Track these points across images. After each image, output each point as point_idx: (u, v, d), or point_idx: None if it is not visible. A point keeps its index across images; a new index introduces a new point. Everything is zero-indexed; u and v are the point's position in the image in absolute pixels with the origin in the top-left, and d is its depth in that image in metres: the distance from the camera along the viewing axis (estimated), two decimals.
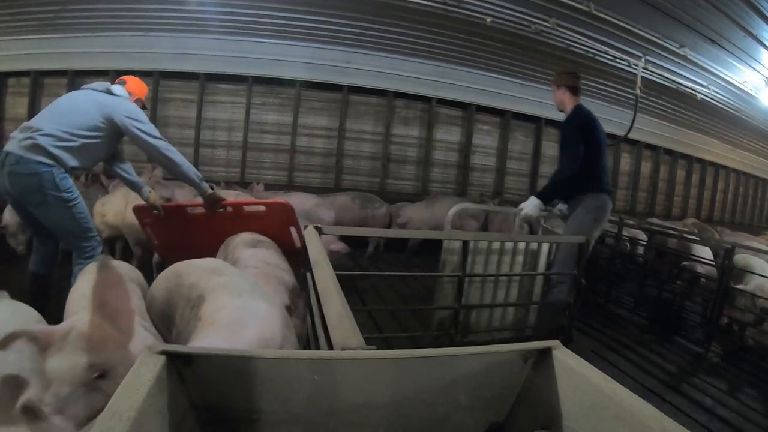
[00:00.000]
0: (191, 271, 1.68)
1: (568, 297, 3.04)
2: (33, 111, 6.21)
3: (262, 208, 2.80)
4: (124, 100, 2.71)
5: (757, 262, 3.73)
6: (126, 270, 1.89)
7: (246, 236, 2.55)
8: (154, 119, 6.32)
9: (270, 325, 1.36)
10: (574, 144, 3.04)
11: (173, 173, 2.78)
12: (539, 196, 3.11)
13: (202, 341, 1.19)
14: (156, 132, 2.68)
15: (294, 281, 2.15)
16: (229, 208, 2.87)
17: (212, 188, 2.86)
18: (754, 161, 11.11)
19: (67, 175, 2.49)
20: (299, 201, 4.94)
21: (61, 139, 2.46)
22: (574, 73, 3.36)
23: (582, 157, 3.02)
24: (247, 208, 2.85)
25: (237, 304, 1.40)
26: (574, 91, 3.24)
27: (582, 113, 3.14)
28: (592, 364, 0.85)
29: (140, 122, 2.63)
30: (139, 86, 2.92)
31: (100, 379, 1.03)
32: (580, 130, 3.07)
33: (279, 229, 2.76)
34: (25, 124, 2.53)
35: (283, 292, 1.96)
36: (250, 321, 1.33)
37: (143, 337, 1.25)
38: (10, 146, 2.44)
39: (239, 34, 5.94)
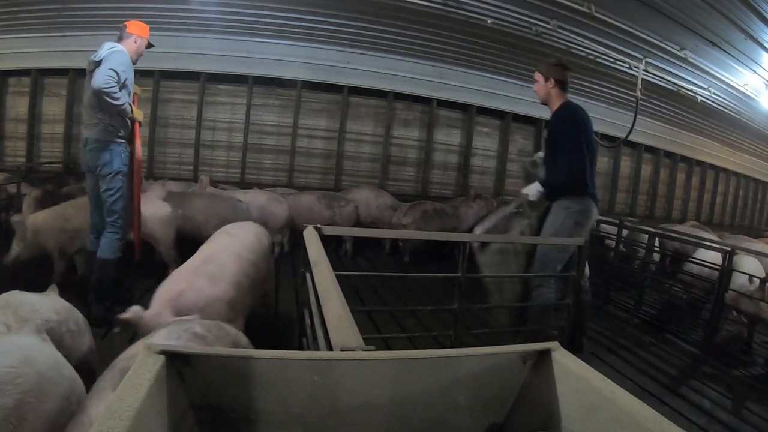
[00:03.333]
0: None
1: (557, 297, 2.93)
2: (34, 110, 6.22)
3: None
4: (111, 55, 2.95)
5: (746, 261, 3.79)
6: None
7: None
8: (154, 119, 6.33)
9: None
10: (574, 144, 2.84)
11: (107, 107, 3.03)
12: (545, 187, 2.94)
13: None
14: (114, 75, 2.88)
15: None
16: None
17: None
18: (754, 164, 11.12)
19: (128, 152, 3.18)
20: (253, 197, 4.97)
21: (119, 121, 3.10)
22: (563, 65, 3.04)
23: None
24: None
25: None
26: (563, 86, 2.99)
27: (577, 111, 2.93)
28: (591, 366, 0.85)
29: (109, 63, 2.90)
30: (140, 28, 3.25)
31: None
32: (576, 129, 2.86)
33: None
34: (91, 113, 3.08)
35: None
36: None
37: None
38: (87, 132, 3.09)
39: (239, 33, 5.95)
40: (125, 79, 3.01)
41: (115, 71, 2.88)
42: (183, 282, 2.06)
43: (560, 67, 3.01)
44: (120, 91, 2.96)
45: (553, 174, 2.96)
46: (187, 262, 2.30)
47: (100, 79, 2.83)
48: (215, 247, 2.45)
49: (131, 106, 3.13)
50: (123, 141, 3.14)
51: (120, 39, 3.16)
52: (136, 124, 3.23)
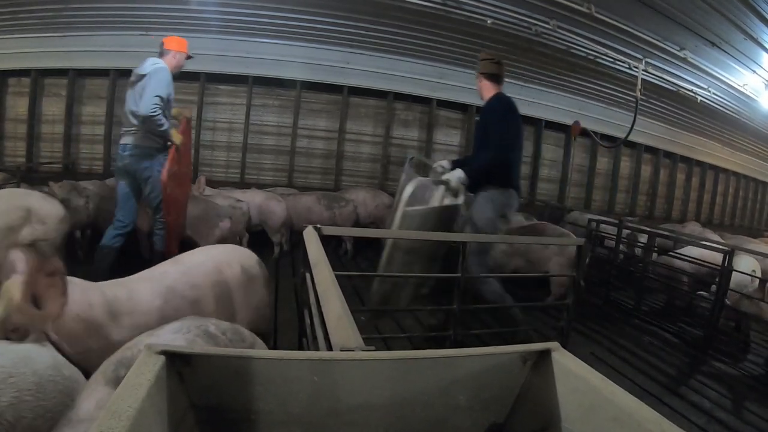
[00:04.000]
0: None
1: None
2: (33, 111, 6.22)
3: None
4: (155, 73, 3.12)
5: (743, 260, 3.81)
6: None
7: None
8: None
9: None
10: (503, 130, 2.92)
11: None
12: (467, 173, 2.91)
13: None
14: (159, 102, 3.07)
15: None
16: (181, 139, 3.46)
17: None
18: (754, 164, 11.11)
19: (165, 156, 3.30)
20: (251, 196, 4.99)
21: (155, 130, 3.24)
22: (491, 58, 3.18)
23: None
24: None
25: None
26: (493, 78, 3.10)
27: (507, 101, 3.05)
28: (591, 366, 0.85)
29: (154, 87, 3.08)
30: (178, 43, 3.41)
31: None
32: (505, 116, 2.97)
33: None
34: (131, 119, 3.23)
35: None
36: None
37: None
38: (127, 138, 3.26)
39: (239, 34, 5.95)
40: (168, 95, 3.20)
41: (160, 97, 3.08)
42: (77, 289, 1.65)
43: (488, 61, 3.18)
44: (164, 113, 3.16)
45: (480, 159, 3.01)
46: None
47: (146, 106, 3.04)
48: (148, 273, 1.95)
49: (172, 126, 3.31)
50: (161, 147, 3.30)
51: (160, 55, 3.33)
52: (173, 147, 3.31)
